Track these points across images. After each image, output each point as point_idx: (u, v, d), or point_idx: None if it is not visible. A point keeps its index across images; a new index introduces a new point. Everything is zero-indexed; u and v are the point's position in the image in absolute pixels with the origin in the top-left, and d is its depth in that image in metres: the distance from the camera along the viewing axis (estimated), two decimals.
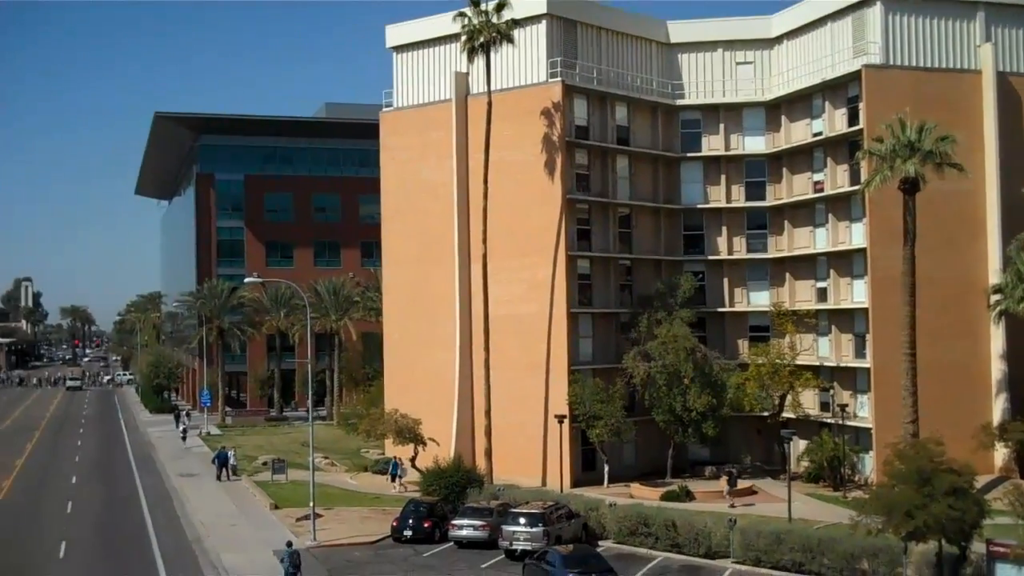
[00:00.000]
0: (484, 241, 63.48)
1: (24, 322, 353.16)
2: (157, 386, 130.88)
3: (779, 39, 71.39)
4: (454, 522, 48.85)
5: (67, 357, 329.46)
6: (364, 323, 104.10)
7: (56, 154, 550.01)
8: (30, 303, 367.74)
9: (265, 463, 71.15)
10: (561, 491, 58.45)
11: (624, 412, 63.36)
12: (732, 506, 55.43)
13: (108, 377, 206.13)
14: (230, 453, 70.82)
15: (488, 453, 62.02)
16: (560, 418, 60.93)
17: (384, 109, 74.58)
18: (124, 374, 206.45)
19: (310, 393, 56.38)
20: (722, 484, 59.21)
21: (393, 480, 64.99)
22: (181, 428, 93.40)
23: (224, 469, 68.58)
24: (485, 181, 63.02)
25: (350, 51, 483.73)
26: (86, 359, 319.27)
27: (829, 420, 64.78)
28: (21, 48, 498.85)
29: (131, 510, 58.94)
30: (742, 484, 60.89)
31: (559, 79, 65.18)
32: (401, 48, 73.66)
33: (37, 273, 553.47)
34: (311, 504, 50.50)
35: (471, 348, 67.05)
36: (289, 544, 41.46)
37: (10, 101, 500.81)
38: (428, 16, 72.05)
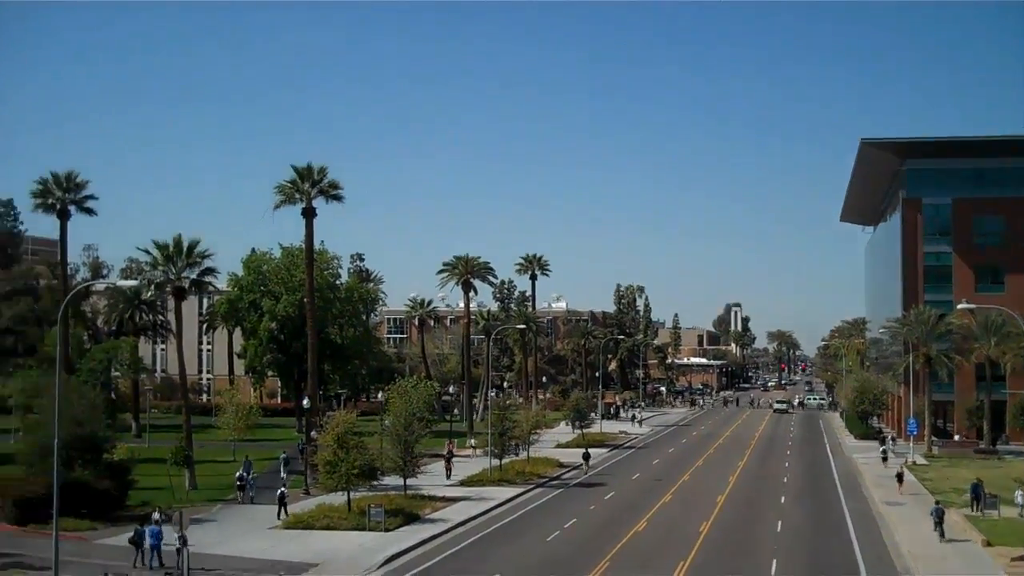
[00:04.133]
0: None
1: (733, 345, 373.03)
2: (862, 412, 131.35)
3: None
4: None
5: (771, 382, 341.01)
6: None
7: (769, 190, 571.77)
8: (739, 327, 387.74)
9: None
10: None
11: None
12: None
13: (798, 400, 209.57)
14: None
15: None
16: None
17: None
18: (814, 398, 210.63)
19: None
20: None
21: None
22: (881, 450, 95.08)
23: (978, 502, 66.38)
24: None
25: None
26: (792, 383, 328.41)
27: None
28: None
29: (838, 535, 59.14)
30: None
31: None
32: None
33: (746, 299, 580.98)
34: None
35: None
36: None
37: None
38: None
